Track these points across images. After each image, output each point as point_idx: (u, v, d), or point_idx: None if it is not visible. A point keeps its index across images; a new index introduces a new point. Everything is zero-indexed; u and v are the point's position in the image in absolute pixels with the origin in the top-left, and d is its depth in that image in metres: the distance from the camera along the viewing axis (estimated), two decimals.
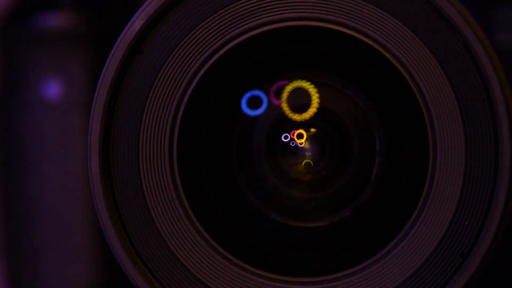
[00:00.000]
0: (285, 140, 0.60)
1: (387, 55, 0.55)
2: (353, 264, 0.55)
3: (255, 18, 0.55)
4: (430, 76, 0.54)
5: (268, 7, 0.55)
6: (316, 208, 0.62)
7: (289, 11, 0.55)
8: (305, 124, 0.61)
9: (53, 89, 0.78)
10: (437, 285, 0.54)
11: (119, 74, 0.55)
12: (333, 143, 0.61)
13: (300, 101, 0.60)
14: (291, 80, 0.59)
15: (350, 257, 0.56)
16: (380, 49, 0.55)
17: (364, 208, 0.61)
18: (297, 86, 0.58)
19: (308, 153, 0.60)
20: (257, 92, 0.59)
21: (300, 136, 0.59)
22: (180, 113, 0.56)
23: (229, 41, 0.55)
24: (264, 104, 0.60)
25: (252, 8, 0.55)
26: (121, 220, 0.55)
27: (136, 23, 0.54)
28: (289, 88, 0.59)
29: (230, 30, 0.55)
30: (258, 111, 0.60)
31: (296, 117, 0.58)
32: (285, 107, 0.59)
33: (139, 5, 0.55)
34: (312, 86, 0.58)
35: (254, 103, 0.60)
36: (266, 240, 0.62)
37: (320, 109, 0.61)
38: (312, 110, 0.59)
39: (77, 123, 0.78)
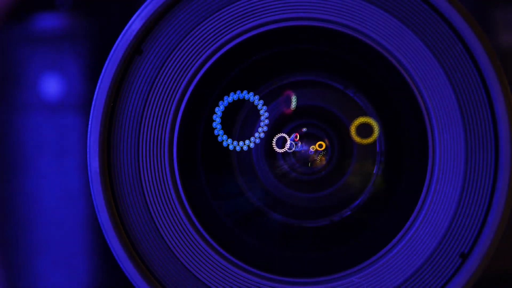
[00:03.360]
0: (283, 149, 0.60)
1: (387, 55, 0.55)
2: (353, 264, 0.55)
3: (255, 18, 0.55)
4: (430, 76, 0.54)
5: (268, 8, 0.55)
6: (316, 208, 0.62)
7: (290, 11, 0.55)
8: (303, 125, 0.61)
9: (52, 89, 0.78)
10: (437, 285, 0.54)
11: (119, 74, 0.55)
12: (333, 143, 0.61)
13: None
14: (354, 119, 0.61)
15: (350, 257, 0.56)
16: (380, 49, 0.55)
17: (364, 208, 0.61)
18: (362, 122, 0.60)
19: (309, 153, 0.60)
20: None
21: (321, 146, 0.60)
22: (180, 113, 0.56)
23: (229, 41, 0.55)
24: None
25: (252, 8, 0.55)
26: (121, 220, 0.55)
27: (135, 23, 0.54)
28: (356, 122, 0.60)
29: (230, 30, 0.55)
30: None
31: (360, 140, 0.60)
32: (354, 135, 0.60)
33: (139, 5, 0.55)
34: (373, 120, 0.60)
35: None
36: (266, 240, 0.62)
37: (320, 109, 0.61)
38: (374, 137, 0.60)
39: (77, 123, 0.78)
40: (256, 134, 0.59)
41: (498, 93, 0.53)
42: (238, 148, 0.59)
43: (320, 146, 0.60)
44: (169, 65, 0.55)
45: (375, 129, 0.60)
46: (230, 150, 0.61)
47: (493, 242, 0.53)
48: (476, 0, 0.76)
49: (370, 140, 0.60)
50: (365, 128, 0.60)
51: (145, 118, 0.55)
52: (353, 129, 0.60)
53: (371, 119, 0.60)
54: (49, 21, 0.78)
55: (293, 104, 0.60)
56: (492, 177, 0.54)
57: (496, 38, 0.76)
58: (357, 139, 0.60)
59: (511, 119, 0.53)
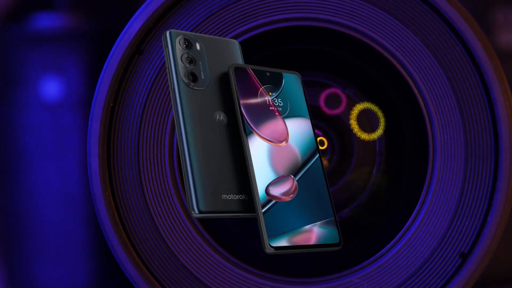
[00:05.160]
0: None
1: (387, 55, 0.55)
2: (353, 264, 0.55)
3: (256, 19, 0.55)
4: (430, 76, 0.54)
5: (269, 8, 0.55)
6: None
7: (289, 12, 0.55)
8: None
9: (52, 89, 0.78)
10: (437, 285, 0.54)
11: (119, 74, 0.55)
12: (333, 143, 0.61)
13: None
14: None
15: (350, 257, 0.56)
16: (380, 50, 0.55)
17: (364, 208, 0.61)
18: (366, 107, 0.59)
19: None
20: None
21: (321, 143, 0.60)
22: None
23: None
24: None
25: (253, 9, 0.55)
26: (121, 220, 0.55)
27: (136, 23, 0.55)
28: (359, 107, 0.59)
29: (230, 31, 0.55)
30: None
31: (365, 136, 0.59)
32: (354, 124, 0.59)
33: (139, 5, 0.55)
34: (379, 109, 0.59)
35: None
36: None
37: (320, 109, 0.61)
38: (379, 132, 0.59)
39: (77, 123, 0.78)
40: None
41: (498, 93, 0.53)
42: None
43: (321, 143, 0.60)
44: None
45: (381, 120, 0.59)
46: None
47: (493, 242, 0.54)
48: (476, 0, 0.76)
49: (374, 136, 0.60)
50: (368, 121, 0.60)
51: (145, 118, 0.55)
52: (354, 118, 0.60)
53: (373, 106, 0.60)
54: (49, 21, 0.78)
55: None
56: (492, 177, 0.54)
57: (496, 38, 0.76)
58: (359, 133, 0.60)
59: (511, 119, 0.53)
